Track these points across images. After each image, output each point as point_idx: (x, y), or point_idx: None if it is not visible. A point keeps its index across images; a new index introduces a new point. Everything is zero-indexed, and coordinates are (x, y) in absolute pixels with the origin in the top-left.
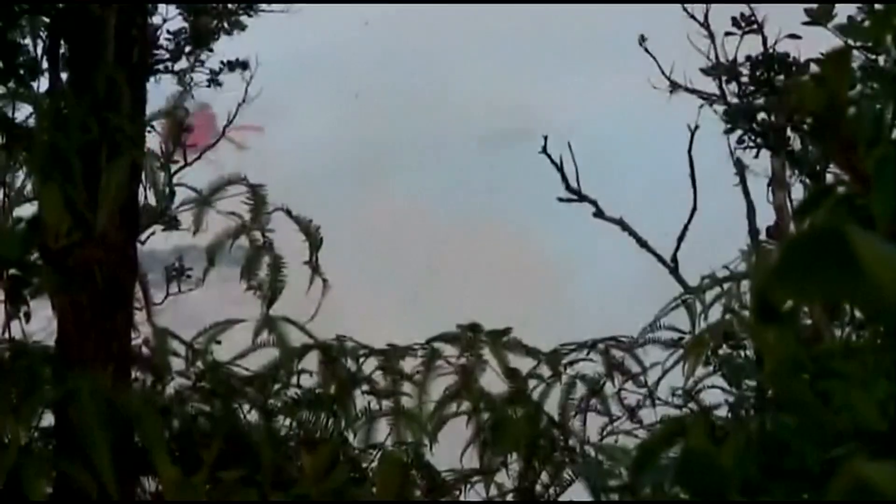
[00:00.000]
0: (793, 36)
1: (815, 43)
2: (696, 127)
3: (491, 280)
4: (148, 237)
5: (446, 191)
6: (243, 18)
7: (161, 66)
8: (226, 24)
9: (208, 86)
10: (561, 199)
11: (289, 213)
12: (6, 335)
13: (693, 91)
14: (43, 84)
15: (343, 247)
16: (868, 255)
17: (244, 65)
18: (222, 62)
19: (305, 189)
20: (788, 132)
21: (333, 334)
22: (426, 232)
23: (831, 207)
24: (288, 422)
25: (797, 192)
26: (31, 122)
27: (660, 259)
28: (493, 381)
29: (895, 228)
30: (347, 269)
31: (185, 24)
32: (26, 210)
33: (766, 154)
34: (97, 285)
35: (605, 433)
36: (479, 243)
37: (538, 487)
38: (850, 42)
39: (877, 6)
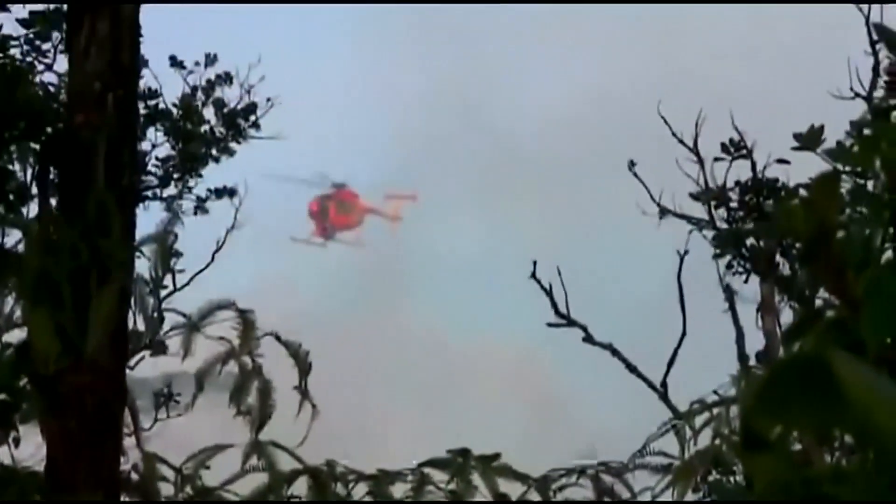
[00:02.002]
0: (781, 161)
1: (804, 168)
2: (686, 252)
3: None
4: (137, 363)
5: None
6: (232, 145)
7: (149, 193)
8: (214, 151)
9: (195, 213)
10: (550, 325)
11: (278, 338)
12: None
13: (682, 216)
14: (32, 210)
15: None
16: (851, 381)
17: (231, 192)
18: (209, 189)
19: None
20: (777, 257)
21: (343, 453)
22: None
23: (821, 332)
24: None
25: (787, 317)
26: (21, 247)
27: (649, 384)
28: None
29: (886, 353)
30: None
31: (173, 152)
32: (16, 335)
33: (755, 279)
34: (87, 411)
35: None
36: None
37: None
38: (839, 166)
39: (865, 131)
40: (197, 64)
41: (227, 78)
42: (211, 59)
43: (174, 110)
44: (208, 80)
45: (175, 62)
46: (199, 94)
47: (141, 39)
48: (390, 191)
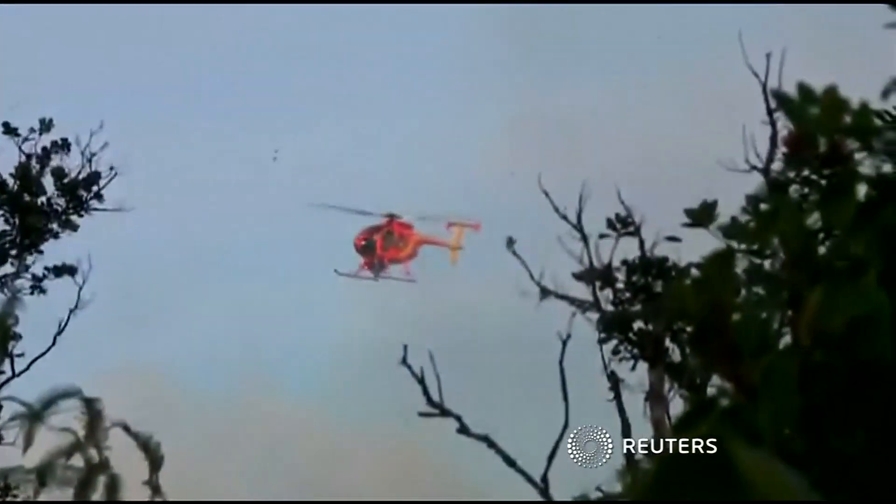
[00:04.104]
0: (672, 238)
1: (696, 246)
2: (568, 336)
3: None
4: None
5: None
6: (74, 218)
7: None
8: (55, 226)
9: (31, 293)
10: (422, 415)
11: (127, 428)
12: None
13: (564, 297)
14: None
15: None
16: (752, 469)
17: (72, 270)
18: (46, 268)
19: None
20: (667, 342)
21: None
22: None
23: (714, 422)
24: None
25: (676, 407)
26: None
27: (529, 479)
28: None
29: (783, 444)
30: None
31: (8, 227)
32: None
33: (643, 366)
34: None
35: None
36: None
37: None
38: (733, 244)
39: (762, 207)
40: (32, 130)
41: (64, 145)
42: (46, 125)
43: (10, 180)
44: (44, 148)
45: (8, 129)
46: (35, 162)
47: None
48: (452, 218)
